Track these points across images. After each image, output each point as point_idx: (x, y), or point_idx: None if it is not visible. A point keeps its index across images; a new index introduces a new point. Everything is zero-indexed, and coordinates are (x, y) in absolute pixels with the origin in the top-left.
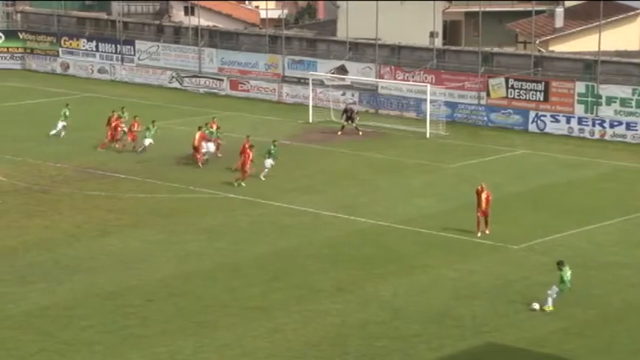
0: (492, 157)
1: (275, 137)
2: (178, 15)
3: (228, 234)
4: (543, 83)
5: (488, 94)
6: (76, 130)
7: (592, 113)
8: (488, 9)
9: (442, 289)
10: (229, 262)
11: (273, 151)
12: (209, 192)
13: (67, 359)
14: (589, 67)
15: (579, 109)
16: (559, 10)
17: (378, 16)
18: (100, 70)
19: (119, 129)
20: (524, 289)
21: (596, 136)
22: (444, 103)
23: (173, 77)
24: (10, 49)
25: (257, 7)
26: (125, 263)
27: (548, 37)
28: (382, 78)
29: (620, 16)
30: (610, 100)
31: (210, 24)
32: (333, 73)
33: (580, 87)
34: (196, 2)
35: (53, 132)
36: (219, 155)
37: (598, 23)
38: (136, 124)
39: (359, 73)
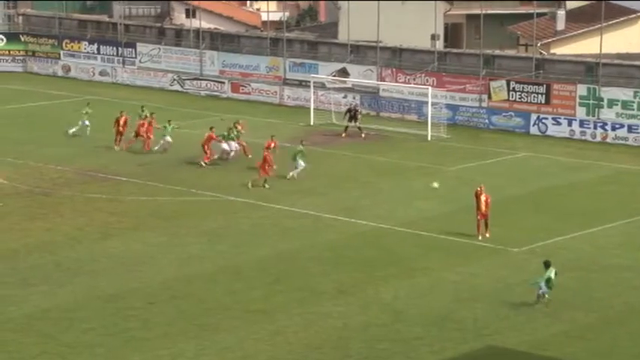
0: (494, 160)
1: (279, 139)
2: (180, 17)
3: (229, 236)
4: (545, 86)
5: (489, 97)
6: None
7: (594, 116)
8: (489, 11)
9: (443, 291)
10: (231, 264)
11: (304, 151)
12: (211, 195)
13: None
14: (591, 69)
15: (581, 112)
16: (560, 13)
17: (380, 19)
18: (101, 73)
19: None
20: (526, 292)
21: (598, 138)
22: (446, 106)
23: (174, 80)
24: (11, 52)
25: (258, 9)
26: (127, 266)
27: (549, 40)
28: (383, 80)
29: (622, 19)
30: (612, 103)
31: (212, 26)
32: (334, 76)
33: (582, 89)
34: (198, 3)
35: (73, 130)
36: (249, 156)
37: (600, 26)
38: (153, 122)
39: (360, 75)
